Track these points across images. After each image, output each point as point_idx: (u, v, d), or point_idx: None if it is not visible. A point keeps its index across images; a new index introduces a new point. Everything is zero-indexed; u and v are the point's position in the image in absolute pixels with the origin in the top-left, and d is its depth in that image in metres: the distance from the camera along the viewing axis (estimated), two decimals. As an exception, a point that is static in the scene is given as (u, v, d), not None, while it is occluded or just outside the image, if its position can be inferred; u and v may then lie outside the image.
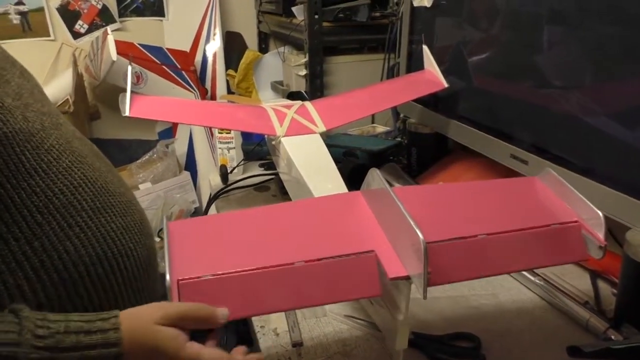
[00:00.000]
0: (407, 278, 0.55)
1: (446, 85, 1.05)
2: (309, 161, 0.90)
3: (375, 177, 0.61)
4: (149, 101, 0.97)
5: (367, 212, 0.64)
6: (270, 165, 1.32)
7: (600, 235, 0.60)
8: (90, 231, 0.59)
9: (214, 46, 1.94)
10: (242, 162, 1.27)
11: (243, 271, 0.54)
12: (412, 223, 0.53)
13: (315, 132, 1.00)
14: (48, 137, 0.57)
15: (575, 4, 0.78)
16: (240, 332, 1.59)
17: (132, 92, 0.95)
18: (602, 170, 0.76)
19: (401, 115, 1.49)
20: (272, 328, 0.72)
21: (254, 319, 0.74)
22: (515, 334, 0.71)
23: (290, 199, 0.98)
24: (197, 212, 1.79)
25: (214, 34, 1.93)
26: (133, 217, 0.65)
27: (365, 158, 1.29)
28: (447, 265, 0.58)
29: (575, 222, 0.63)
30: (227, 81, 1.85)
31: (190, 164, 1.95)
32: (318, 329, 0.72)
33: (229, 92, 1.82)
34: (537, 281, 0.79)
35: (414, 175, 1.21)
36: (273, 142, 0.98)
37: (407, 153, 1.27)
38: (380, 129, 1.55)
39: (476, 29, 1.04)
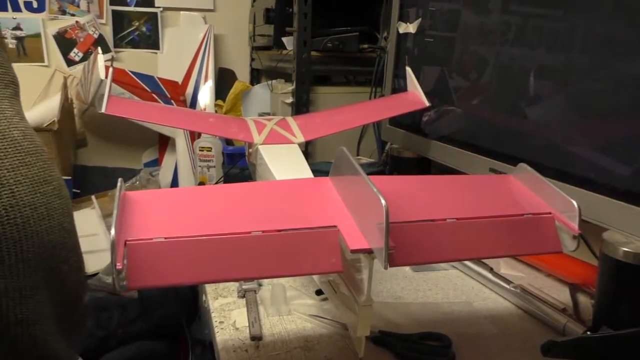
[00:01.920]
0: (370, 252, 0.52)
1: (428, 104, 1.06)
2: (285, 168, 0.88)
3: (343, 155, 0.60)
4: (128, 102, 0.97)
5: (333, 194, 0.61)
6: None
7: (575, 225, 0.58)
8: None
9: (207, 86, 1.96)
10: (221, 179, 1.25)
11: (197, 236, 0.51)
12: (374, 190, 0.51)
13: (293, 142, 0.99)
14: None
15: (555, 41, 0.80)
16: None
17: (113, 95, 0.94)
18: (578, 174, 0.74)
19: (386, 148, 1.49)
20: (231, 322, 0.68)
21: (213, 314, 0.70)
22: (488, 337, 0.67)
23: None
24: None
25: (205, 79, 1.95)
26: None
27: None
28: (414, 246, 0.55)
29: (549, 213, 0.61)
30: (216, 111, 1.86)
31: (175, 184, 1.93)
32: (280, 325, 0.68)
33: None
34: (514, 289, 0.76)
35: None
36: (250, 150, 0.97)
37: (390, 178, 1.26)
38: (364, 160, 1.54)
39: (458, 63, 1.05)
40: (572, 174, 0.75)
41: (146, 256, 0.49)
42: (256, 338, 0.64)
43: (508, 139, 0.89)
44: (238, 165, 1.35)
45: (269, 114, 1.69)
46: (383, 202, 0.49)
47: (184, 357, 1.53)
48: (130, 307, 1.38)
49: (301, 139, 1.00)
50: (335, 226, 0.55)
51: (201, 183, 1.22)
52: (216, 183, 1.25)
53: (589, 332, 0.63)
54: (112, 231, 0.47)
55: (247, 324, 0.67)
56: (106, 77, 1.51)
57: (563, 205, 0.60)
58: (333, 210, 0.58)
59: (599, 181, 0.71)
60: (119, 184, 0.54)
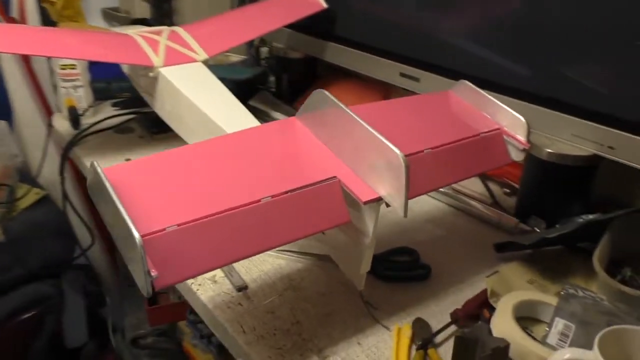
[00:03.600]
0: (379, 199, 0.53)
1: (325, 5, 1.02)
2: (205, 94, 0.81)
3: (325, 99, 0.57)
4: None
5: (310, 137, 0.59)
6: (127, 104, 1.17)
7: (522, 138, 0.65)
8: None
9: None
10: (97, 103, 1.10)
11: (210, 215, 0.47)
12: (384, 140, 0.51)
13: (197, 61, 0.90)
14: None
15: None
16: (88, 293, 1.45)
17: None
18: (497, 81, 0.81)
19: (254, 43, 1.42)
20: (207, 278, 0.65)
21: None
22: (440, 241, 0.75)
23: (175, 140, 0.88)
24: (24, 167, 1.52)
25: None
26: None
27: (232, 88, 1.21)
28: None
29: (497, 129, 0.67)
30: (44, 9, 1.55)
31: (3, 111, 1.64)
32: (256, 269, 0.67)
33: (49, 22, 1.53)
34: (443, 189, 0.83)
35: (288, 102, 1.18)
36: (151, 74, 0.86)
37: (277, 80, 1.23)
38: (235, 57, 1.46)
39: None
40: (491, 81, 0.81)
41: (164, 249, 0.44)
42: (242, 288, 0.64)
43: (420, 46, 0.91)
44: (104, 77, 1.19)
45: (117, 9, 1.47)
46: (398, 152, 0.50)
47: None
48: (1, 255, 1.22)
49: (204, 55, 0.91)
50: (335, 177, 0.54)
51: (71, 108, 1.06)
52: (89, 108, 1.10)
53: (521, 225, 0.74)
54: (135, 232, 0.41)
55: (223, 275, 0.66)
56: None
57: (509, 120, 0.66)
58: (322, 159, 0.57)
59: (522, 88, 0.78)
60: (96, 168, 0.46)
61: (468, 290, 0.64)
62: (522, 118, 0.65)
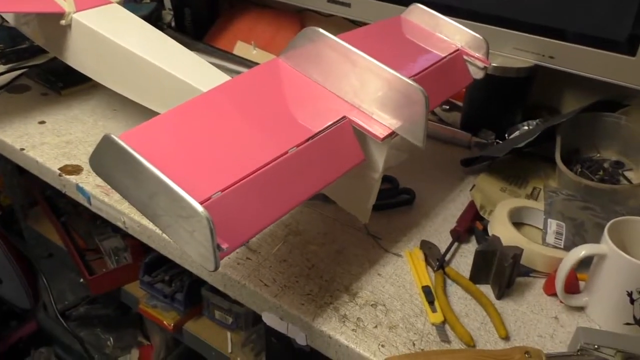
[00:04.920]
0: (393, 134, 0.54)
1: None
2: (149, 44, 0.73)
3: (316, 37, 0.55)
4: None
5: (300, 78, 0.57)
6: (9, 57, 1.01)
7: (484, 57, 0.69)
8: None
9: None
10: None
11: (248, 175, 0.44)
12: (397, 74, 0.51)
13: (111, 2, 0.80)
14: None
15: None
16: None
17: None
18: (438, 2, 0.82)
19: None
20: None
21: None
22: (408, 165, 0.77)
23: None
24: None
25: None
26: None
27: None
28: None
29: (457, 50, 0.70)
30: None
31: None
32: (246, 220, 0.65)
33: None
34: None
35: (194, 39, 1.10)
36: (63, 22, 0.74)
37: (179, 15, 1.13)
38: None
39: None
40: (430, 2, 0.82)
41: (216, 218, 0.41)
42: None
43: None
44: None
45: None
46: (416, 85, 0.50)
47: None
48: None
49: (117, -6, 0.81)
50: (345, 117, 0.53)
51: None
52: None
53: (475, 139, 0.80)
54: (197, 205, 0.38)
55: (217, 232, 0.63)
56: None
57: (467, 40, 0.69)
58: (322, 100, 0.55)
59: (459, 6, 0.80)
60: (112, 138, 0.40)
61: (451, 205, 0.69)
62: (480, 36, 0.68)
